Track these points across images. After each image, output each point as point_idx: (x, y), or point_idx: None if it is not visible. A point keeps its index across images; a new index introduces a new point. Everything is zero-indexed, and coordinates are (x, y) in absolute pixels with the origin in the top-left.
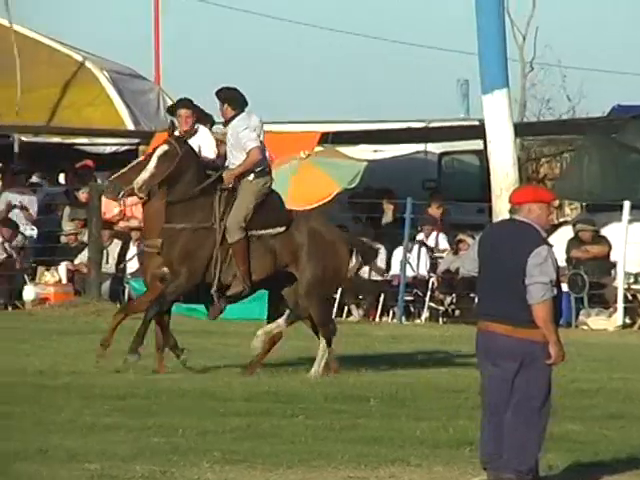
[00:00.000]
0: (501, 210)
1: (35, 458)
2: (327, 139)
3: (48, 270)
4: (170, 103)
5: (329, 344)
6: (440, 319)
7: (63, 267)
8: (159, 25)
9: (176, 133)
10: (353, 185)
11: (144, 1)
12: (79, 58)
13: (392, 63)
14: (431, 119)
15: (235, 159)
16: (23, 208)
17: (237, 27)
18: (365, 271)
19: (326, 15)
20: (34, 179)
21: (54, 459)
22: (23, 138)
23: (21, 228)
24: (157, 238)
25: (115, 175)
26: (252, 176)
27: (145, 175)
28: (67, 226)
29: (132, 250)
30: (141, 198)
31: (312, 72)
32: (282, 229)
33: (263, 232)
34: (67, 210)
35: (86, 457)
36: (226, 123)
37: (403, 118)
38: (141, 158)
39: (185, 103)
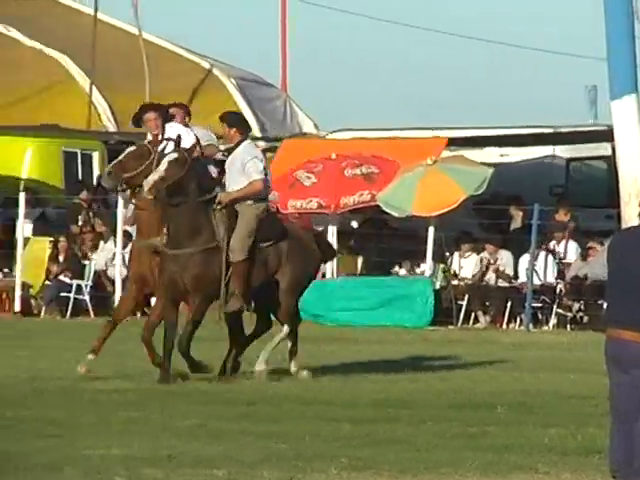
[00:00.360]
0: (630, 216)
1: (163, 463)
2: (454, 143)
3: None
4: (297, 110)
5: (293, 331)
6: (568, 326)
7: None
8: (286, 32)
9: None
10: (480, 192)
11: (271, 8)
12: (207, 65)
13: (521, 69)
14: (560, 125)
15: (235, 184)
16: None
17: (361, 33)
18: (492, 278)
19: (457, 22)
20: None
21: (182, 464)
22: None
23: None
24: (152, 238)
25: (112, 163)
26: (251, 201)
27: (155, 176)
28: None
29: None
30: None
31: (440, 78)
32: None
33: (261, 245)
34: None
35: (213, 462)
36: (232, 148)
37: (531, 124)
38: (133, 147)
39: (149, 107)
